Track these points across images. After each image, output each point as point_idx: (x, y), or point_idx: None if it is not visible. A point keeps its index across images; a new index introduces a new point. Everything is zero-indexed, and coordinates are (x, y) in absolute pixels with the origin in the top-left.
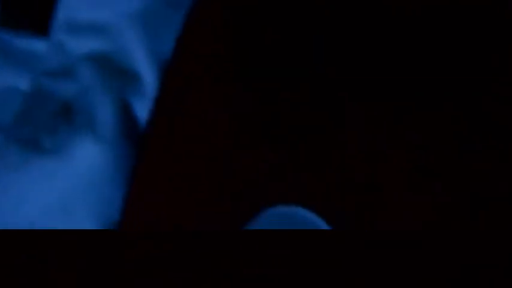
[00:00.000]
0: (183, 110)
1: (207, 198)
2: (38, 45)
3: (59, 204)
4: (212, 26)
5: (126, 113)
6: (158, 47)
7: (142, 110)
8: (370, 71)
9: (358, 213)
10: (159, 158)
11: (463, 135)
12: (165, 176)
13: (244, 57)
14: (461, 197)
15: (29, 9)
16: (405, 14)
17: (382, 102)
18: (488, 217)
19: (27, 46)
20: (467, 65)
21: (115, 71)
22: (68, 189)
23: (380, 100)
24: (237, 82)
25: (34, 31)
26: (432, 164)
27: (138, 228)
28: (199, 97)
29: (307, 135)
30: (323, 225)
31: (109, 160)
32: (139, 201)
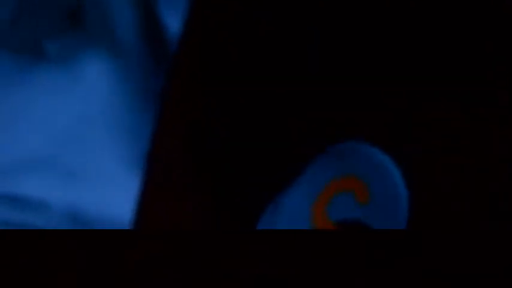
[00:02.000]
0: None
1: None
2: None
3: (67, 130)
4: None
5: (152, 24)
6: None
7: (173, 21)
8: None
9: None
10: None
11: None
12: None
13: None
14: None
15: None
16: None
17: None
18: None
19: None
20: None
21: None
22: (78, 111)
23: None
24: None
25: None
26: None
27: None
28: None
29: None
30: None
31: (128, 78)
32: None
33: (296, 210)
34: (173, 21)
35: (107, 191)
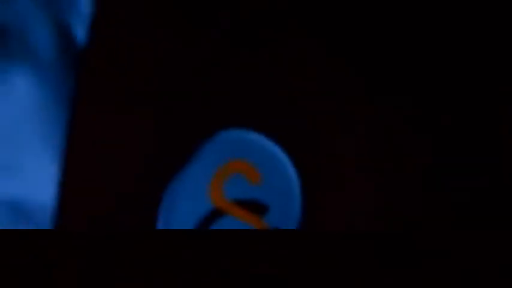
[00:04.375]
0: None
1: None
2: None
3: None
4: None
5: (64, 38)
6: None
7: (80, 31)
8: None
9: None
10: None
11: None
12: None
13: None
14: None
15: None
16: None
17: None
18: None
19: None
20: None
21: None
22: (9, 116)
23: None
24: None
25: None
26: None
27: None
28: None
29: None
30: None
31: (49, 86)
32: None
33: (194, 191)
34: (80, 31)
35: (37, 182)
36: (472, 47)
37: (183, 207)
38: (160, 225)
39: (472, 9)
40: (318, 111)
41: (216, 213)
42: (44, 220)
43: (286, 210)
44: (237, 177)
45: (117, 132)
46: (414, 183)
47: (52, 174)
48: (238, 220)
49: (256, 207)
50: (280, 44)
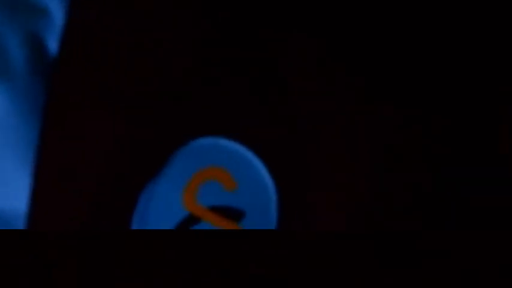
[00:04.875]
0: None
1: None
2: None
3: None
4: None
5: (37, 48)
6: None
7: (53, 44)
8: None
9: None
10: None
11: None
12: None
13: None
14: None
15: None
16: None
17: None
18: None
19: None
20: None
21: (22, 5)
22: None
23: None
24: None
25: None
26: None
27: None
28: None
29: None
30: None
31: (20, 97)
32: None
33: (167, 198)
34: (53, 44)
35: (9, 191)
36: (472, 47)
37: (156, 213)
38: None
39: (472, 9)
40: (318, 111)
41: (190, 220)
42: (16, 227)
43: (263, 215)
44: (212, 184)
45: (89, 137)
46: (415, 183)
47: (25, 185)
48: (214, 226)
49: (232, 213)
50: (280, 44)
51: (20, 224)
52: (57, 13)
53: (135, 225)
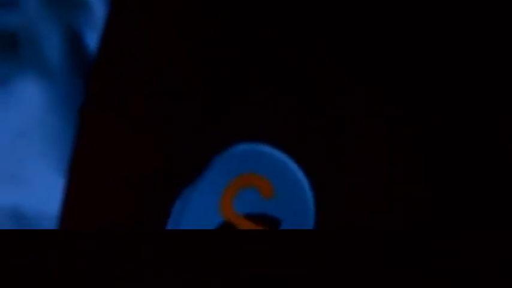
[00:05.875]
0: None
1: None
2: None
3: (5, 142)
4: None
5: (75, 45)
6: None
7: (92, 41)
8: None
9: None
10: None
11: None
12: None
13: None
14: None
15: None
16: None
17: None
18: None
19: None
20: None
21: (62, 0)
22: (15, 128)
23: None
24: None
25: None
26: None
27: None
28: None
29: None
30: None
31: (58, 96)
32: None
33: (204, 205)
34: (92, 41)
35: (42, 191)
36: (472, 47)
37: (192, 220)
38: None
39: (472, 9)
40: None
41: (226, 227)
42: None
43: (299, 223)
44: (250, 191)
45: (127, 143)
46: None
47: (58, 185)
48: None
49: (268, 221)
50: (280, 44)
51: (51, 225)
52: (98, 8)
53: None
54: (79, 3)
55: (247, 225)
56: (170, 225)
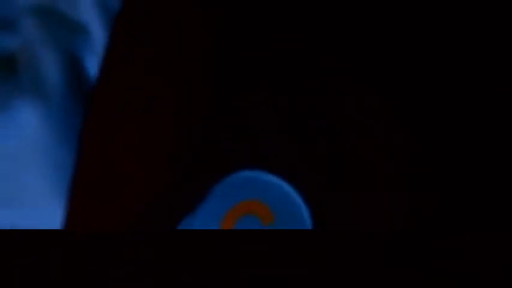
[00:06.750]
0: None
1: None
2: None
3: (4, 168)
4: None
5: (74, 69)
6: None
7: (92, 65)
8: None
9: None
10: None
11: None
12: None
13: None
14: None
15: None
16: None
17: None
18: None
19: None
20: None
21: (61, 24)
22: (13, 152)
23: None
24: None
25: None
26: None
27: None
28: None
29: None
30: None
31: (57, 121)
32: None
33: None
34: (92, 65)
35: (41, 215)
36: (472, 47)
37: None
38: None
39: (472, 9)
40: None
41: None
42: None
43: None
44: (249, 218)
45: (127, 167)
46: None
47: (56, 208)
48: None
49: None
50: (280, 44)
51: None
52: (98, 32)
53: None
54: (78, 27)
55: None
56: None
